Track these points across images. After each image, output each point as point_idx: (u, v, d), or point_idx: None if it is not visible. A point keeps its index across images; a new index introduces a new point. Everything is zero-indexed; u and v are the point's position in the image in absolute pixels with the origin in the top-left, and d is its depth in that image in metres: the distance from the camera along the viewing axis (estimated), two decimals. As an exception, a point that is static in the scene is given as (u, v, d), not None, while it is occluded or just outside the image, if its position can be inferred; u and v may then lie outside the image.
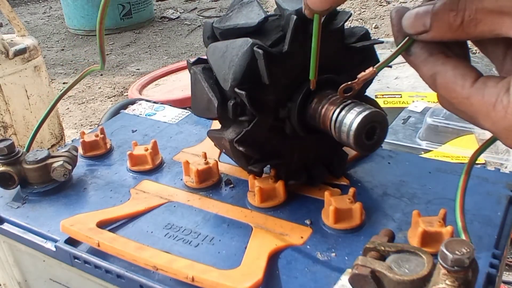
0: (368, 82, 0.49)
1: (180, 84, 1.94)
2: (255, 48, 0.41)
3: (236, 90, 0.42)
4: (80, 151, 0.59)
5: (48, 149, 0.60)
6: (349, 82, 0.38)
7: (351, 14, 0.57)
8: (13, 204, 0.52)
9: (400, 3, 3.24)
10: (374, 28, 2.86)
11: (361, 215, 0.45)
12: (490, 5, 0.29)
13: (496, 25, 0.29)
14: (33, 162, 0.52)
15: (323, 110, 0.43)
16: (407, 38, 0.33)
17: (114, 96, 2.32)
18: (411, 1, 3.25)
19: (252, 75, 0.42)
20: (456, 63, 0.32)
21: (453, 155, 1.08)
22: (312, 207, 0.47)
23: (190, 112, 0.69)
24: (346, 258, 0.41)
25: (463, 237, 0.38)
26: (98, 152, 0.59)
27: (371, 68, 0.36)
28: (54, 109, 0.60)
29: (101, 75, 2.62)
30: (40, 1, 4.30)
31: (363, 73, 0.36)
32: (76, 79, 0.56)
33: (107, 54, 2.99)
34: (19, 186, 0.53)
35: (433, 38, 0.32)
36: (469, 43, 0.34)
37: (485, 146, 0.39)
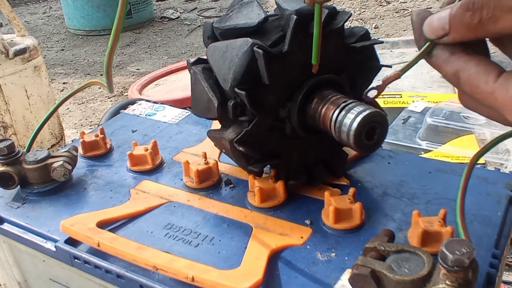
0: (368, 82, 0.49)
1: (180, 84, 1.94)
2: (255, 48, 0.41)
3: (236, 90, 0.42)
4: (80, 151, 0.59)
5: (48, 149, 0.60)
6: (375, 86, 0.38)
7: (351, 14, 0.57)
8: (13, 204, 0.52)
9: (400, 3, 3.24)
10: (374, 28, 2.86)
11: (361, 215, 0.45)
12: (508, 2, 0.29)
13: None
14: (33, 162, 0.52)
15: (323, 110, 0.43)
16: (429, 42, 0.34)
17: (114, 96, 2.32)
18: (411, 1, 3.25)
19: (252, 75, 0.42)
20: (478, 60, 0.33)
21: (453, 155, 1.08)
22: (312, 207, 0.47)
23: (190, 112, 0.69)
24: (346, 258, 0.41)
25: (463, 237, 0.38)
26: (98, 152, 0.59)
27: (394, 71, 0.36)
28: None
29: (101, 75, 2.62)
30: (40, 1, 4.30)
31: (387, 76, 0.37)
32: (80, 87, 0.56)
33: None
34: (19, 186, 0.53)
35: (454, 39, 0.32)
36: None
37: (486, 148, 0.39)
